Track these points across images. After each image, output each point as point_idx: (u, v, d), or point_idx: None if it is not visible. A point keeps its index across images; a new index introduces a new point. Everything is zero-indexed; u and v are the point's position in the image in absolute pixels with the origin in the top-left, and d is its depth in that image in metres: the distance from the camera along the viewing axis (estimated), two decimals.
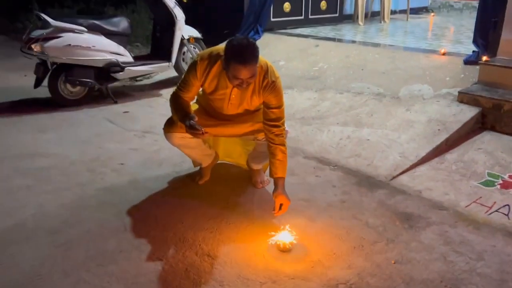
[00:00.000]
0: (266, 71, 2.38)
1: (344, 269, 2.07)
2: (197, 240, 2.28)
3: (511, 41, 3.83)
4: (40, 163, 3.17)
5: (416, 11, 8.90)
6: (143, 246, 2.22)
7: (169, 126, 2.60)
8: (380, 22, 7.32)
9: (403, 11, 7.99)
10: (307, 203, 2.68)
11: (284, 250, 2.19)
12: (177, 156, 3.11)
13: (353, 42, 5.51)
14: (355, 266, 2.10)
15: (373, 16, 7.78)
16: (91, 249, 2.18)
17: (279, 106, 2.44)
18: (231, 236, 2.33)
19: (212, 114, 2.65)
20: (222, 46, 2.31)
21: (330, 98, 4.20)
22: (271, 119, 2.43)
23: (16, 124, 3.95)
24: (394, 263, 2.12)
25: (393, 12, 8.33)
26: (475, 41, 4.16)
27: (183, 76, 2.49)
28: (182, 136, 2.57)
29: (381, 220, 2.51)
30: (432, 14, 8.68)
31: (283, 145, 2.45)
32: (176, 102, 2.47)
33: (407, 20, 7.64)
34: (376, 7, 7.76)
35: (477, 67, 3.90)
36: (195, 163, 2.99)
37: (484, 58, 3.86)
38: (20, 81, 5.38)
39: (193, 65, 2.40)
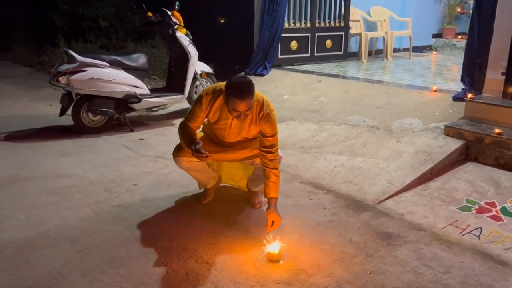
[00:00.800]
0: (262, 105, 2.75)
1: (324, 277, 2.36)
2: (197, 250, 2.60)
3: (495, 80, 4.16)
4: (63, 183, 3.55)
5: (420, 49, 9.30)
6: (150, 254, 2.55)
7: (177, 151, 2.98)
8: (383, 60, 7.71)
9: (407, 49, 8.38)
10: (299, 221, 2.99)
11: (273, 260, 2.49)
12: (185, 179, 3.46)
13: (353, 78, 5.89)
14: (334, 275, 2.38)
15: (377, 54, 8.20)
16: (105, 255, 2.52)
17: (273, 135, 2.79)
18: (227, 247, 2.64)
19: (215, 141, 3.01)
20: (224, 82, 2.70)
21: (329, 129, 4.55)
22: (266, 146, 2.78)
23: (41, 148, 4.36)
24: (370, 273, 2.40)
25: (397, 50, 8.75)
26: (463, 80, 4.50)
27: (190, 108, 2.87)
28: (189, 160, 2.93)
29: (363, 238, 2.80)
30: (434, 52, 9.07)
31: (276, 169, 2.79)
32: (184, 130, 2.85)
33: (409, 58, 8.02)
34: (380, 45, 8.18)
35: (464, 103, 4.21)
36: (200, 185, 3.33)
37: (470, 95, 4.19)
38: (46, 110, 5.84)
39: (199, 99, 2.79)
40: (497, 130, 3.69)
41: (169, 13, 5.17)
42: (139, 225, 2.88)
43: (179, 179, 3.59)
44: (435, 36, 9.86)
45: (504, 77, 4.09)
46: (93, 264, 2.43)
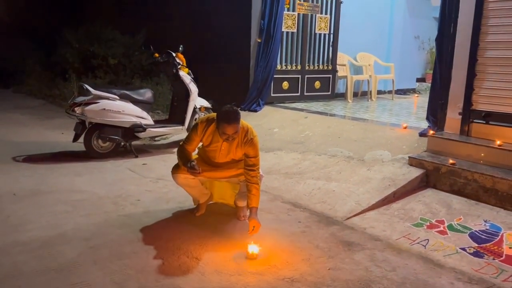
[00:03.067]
0: (247, 131, 3.38)
1: (291, 271, 2.90)
2: (189, 249, 3.15)
3: (453, 119, 4.80)
4: (76, 197, 4.12)
5: (404, 92, 10.03)
6: (150, 251, 3.10)
7: (175, 169, 3.58)
8: (368, 101, 8.41)
9: (391, 91, 9.09)
10: (276, 231, 3.54)
11: (251, 258, 3.04)
12: (181, 196, 4.03)
13: (337, 116, 6.55)
14: (300, 270, 2.93)
15: (363, 95, 8.91)
16: (113, 250, 3.07)
17: (255, 156, 3.40)
18: (214, 248, 3.19)
19: (208, 162, 3.61)
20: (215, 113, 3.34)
21: (310, 158, 5.15)
22: (249, 165, 3.39)
23: (57, 169, 4.95)
24: (329, 269, 2.95)
25: (382, 92, 9.47)
26: (427, 118, 5.14)
27: (188, 133, 3.50)
28: (185, 177, 3.52)
29: (328, 244, 3.34)
30: (416, 95, 9.80)
31: (257, 184, 3.38)
32: (182, 152, 3.47)
33: (392, 99, 8.72)
34: (365, 87, 8.90)
35: (427, 138, 4.83)
36: (194, 201, 3.90)
37: (431, 132, 4.82)
38: (58, 137, 6.46)
39: (195, 126, 3.42)
40: (451, 161, 4.30)
41: (174, 54, 5.89)
42: (141, 230, 3.44)
43: (176, 197, 4.15)
44: (419, 80, 10.64)
45: (460, 116, 4.74)
46: (103, 256, 2.98)
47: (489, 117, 4.56)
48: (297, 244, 3.32)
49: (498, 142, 4.31)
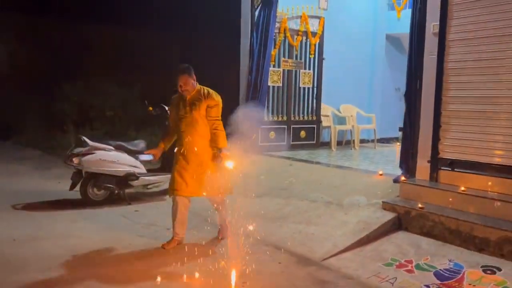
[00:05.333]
0: (207, 90, 4.32)
1: None
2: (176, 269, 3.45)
3: (423, 167, 5.21)
4: (73, 242, 4.42)
5: (387, 140, 10.53)
6: (134, 261, 3.40)
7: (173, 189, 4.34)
8: (351, 149, 8.86)
9: (378, 140, 9.57)
10: (257, 270, 3.82)
11: None
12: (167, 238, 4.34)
13: (320, 163, 6.97)
14: None
15: (347, 144, 9.37)
16: (114, 255, 3.37)
17: (216, 105, 4.27)
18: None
19: (182, 153, 4.31)
20: None
21: (293, 204, 5.50)
22: (211, 116, 4.25)
23: (55, 216, 5.26)
24: None
25: (365, 141, 9.95)
26: (400, 166, 5.56)
27: None
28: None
29: (305, 283, 3.66)
30: (398, 144, 10.27)
31: (222, 131, 4.28)
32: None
33: (374, 148, 9.19)
34: (349, 136, 9.38)
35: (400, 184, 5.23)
36: (175, 230, 4.34)
37: (403, 178, 5.23)
38: (55, 186, 6.78)
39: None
40: (420, 205, 4.67)
41: (166, 108, 6.35)
42: (130, 252, 3.74)
43: (167, 239, 4.46)
44: (401, 129, 11.14)
45: (429, 164, 5.15)
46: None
47: (454, 164, 4.98)
48: (274, 281, 3.62)
49: (462, 188, 4.71)
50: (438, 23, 5.06)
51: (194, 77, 4.29)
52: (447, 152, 5.07)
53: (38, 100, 12.46)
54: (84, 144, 5.74)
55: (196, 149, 4.24)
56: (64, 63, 13.98)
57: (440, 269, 3.88)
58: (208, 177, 4.27)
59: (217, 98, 4.31)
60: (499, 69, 4.63)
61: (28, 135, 11.32)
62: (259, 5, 7.76)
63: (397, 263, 4.03)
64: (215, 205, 4.51)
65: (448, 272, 3.82)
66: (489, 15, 4.67)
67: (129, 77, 11.34)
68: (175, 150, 4.43)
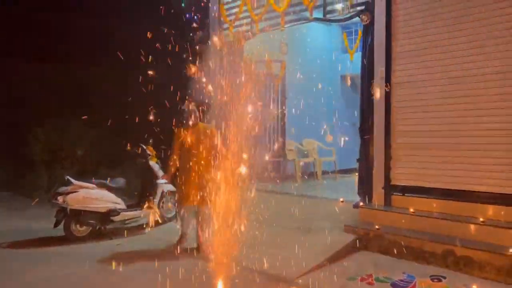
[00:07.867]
0: (209, 127, 5.14)
1: None
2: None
3: (378, 193, 5.92)
4: (60, 273, 4.76)
5: (347, 171, 11.30)
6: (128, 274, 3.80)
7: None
8: (314, 180, 9.55)
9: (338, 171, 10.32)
10: None
11: None
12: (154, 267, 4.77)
13: (287, 193, 7.58)
14: None
15: (310, 175, 10.06)
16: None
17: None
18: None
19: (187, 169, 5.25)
20: None
21: (265, 230, 6.03)
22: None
23: (36, 255, 5.54)
24: None
25: (327, 172, 10.67)
26: (359, 193, 6.25)
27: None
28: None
29: None
30: (356, 174, 11.07)
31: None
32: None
33: (336, 179, 9.93)
34: (312, 169, 10.09)
35: (359, 209, 5.90)
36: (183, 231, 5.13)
37: (361, 204, 5.90)
38: (34, 226, 7.01)
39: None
40: (376, 227, 5.34)
41: (144, 147, 6.84)
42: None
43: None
44: (358, 160, 12.00)
45: (383, 190, 5.86)
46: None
47: (404, 190, 5.72)
48: None
49: (411, 210, 5.42)
50: (384, 68, 5.90)
51: None
52: (398, 179, 5.81)
53: (6, 141, 12.53)
54: (68, 182, 6.11)
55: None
56: (29, 104, 14.13)
57: (396, 280, 4.49)
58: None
59: (215, 133, 5.36)
60: (439, 107, 5.45)
61: None
62: None
63: (359, 277, 4.62)
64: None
65: (402, 283, 4.44)
66: (433, 61, 5.49)
67: (97, 115, 11.61)
68: None
